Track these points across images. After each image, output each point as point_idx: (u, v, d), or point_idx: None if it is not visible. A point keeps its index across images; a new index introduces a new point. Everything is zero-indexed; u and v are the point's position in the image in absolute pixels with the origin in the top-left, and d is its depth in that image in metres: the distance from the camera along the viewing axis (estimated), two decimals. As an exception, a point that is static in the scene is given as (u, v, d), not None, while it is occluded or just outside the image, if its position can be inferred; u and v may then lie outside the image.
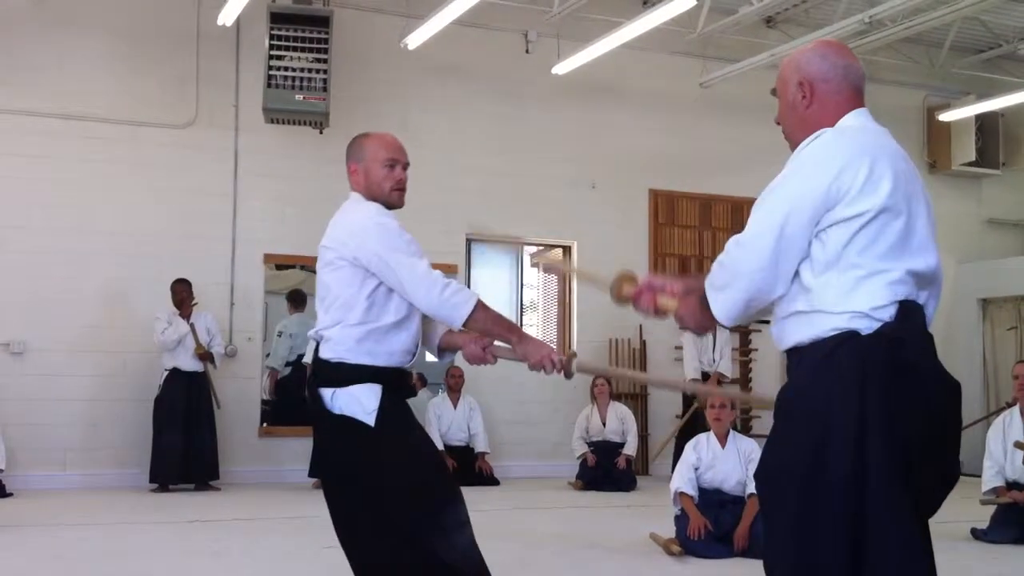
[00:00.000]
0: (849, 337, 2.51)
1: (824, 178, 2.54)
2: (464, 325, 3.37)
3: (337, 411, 3.39)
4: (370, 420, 3.37)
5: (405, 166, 3.59)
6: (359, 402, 3.38)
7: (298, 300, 11.10)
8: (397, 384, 3.47)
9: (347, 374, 3.40)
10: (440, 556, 3.30)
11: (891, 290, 2.52)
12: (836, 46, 2.82)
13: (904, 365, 2.47)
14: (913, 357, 2.49)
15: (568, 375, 3.51)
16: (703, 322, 2.79)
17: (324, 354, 3.45)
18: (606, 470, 9.97)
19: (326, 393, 3.42)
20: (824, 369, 2.53)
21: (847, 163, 2.55)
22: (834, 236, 2.54)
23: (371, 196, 3.55)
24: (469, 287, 11.18)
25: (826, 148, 2.60)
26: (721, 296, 2.68)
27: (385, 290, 3.41)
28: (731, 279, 2.65)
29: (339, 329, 3.42)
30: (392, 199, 3.56)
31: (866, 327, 2.50)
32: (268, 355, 10.96)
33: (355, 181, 3.59)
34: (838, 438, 2.47)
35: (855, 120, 2.72)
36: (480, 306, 3.35)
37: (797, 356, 2.64)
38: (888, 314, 2.51)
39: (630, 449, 10.20)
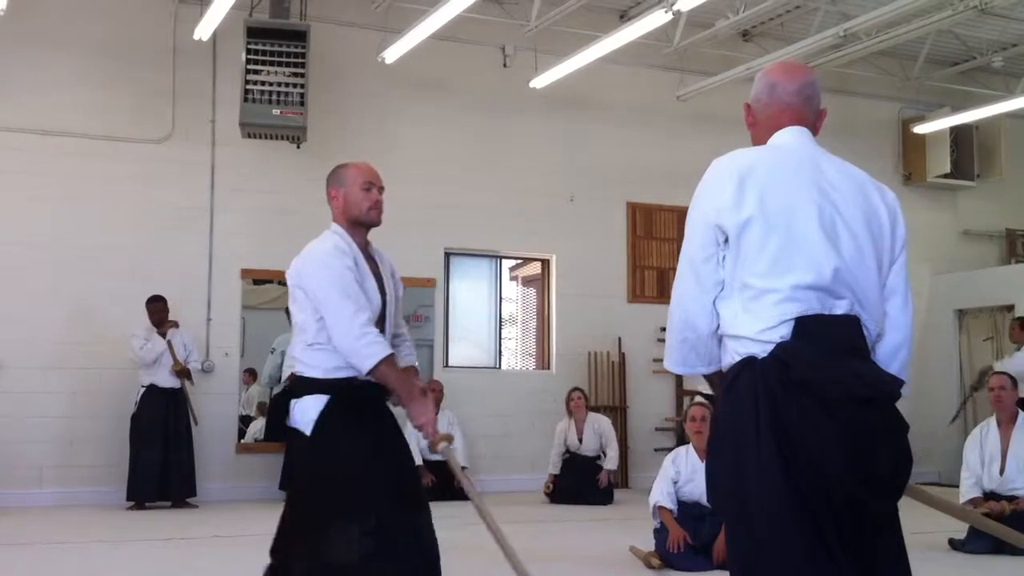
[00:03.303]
0: (748, 363, 2.51)
1: (707, 203, 2.58)
2: (367, 373, 3.64)
3: (291, 423, 3.73)
4: (307, 430, 3.67)
5: (380, 189, 3.92)
6: (304, 413, 3.69)
7: None
8: (348, 394, 3.69)
9: (303, 386, 3.75)
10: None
11: (779, 309, 2.49)
12: (777, 66, 2.86)
13: (793, 385, 2.43)
14: (802, 375, 2.42)
15: (432, 449, 3.80)
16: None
17: (295, 370, 3.82)
18: (583, 485, 9.90)
19: (291, 406, 3.75)
20: (728, 397, 2.54)
21: (718, 184, 2.58)
22: (728, 259, 2.56)
23: (350, 217, 3.86)
24: (448, 301, 11.31)
25: (707, 176, 2.65)
26: (666, 343, 2.73)
27: None
28: (668, 322, 2.69)
29: (299, 348, 3.77)
30: (370, 217, 3.88)
31: (760, 351, 2.49)
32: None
33: (335, 206, 3.90)
34: (746, 465, 2.47)
35: (777, 139, 2.74)
36: (385, 362, 3.61)
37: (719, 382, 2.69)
38: (781, 334, 2.48)
39: (611, 464, 10.04)
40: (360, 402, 3.72)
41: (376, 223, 3.91)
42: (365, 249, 3.88)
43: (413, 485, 3.89)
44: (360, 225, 3.88)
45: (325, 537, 3.52)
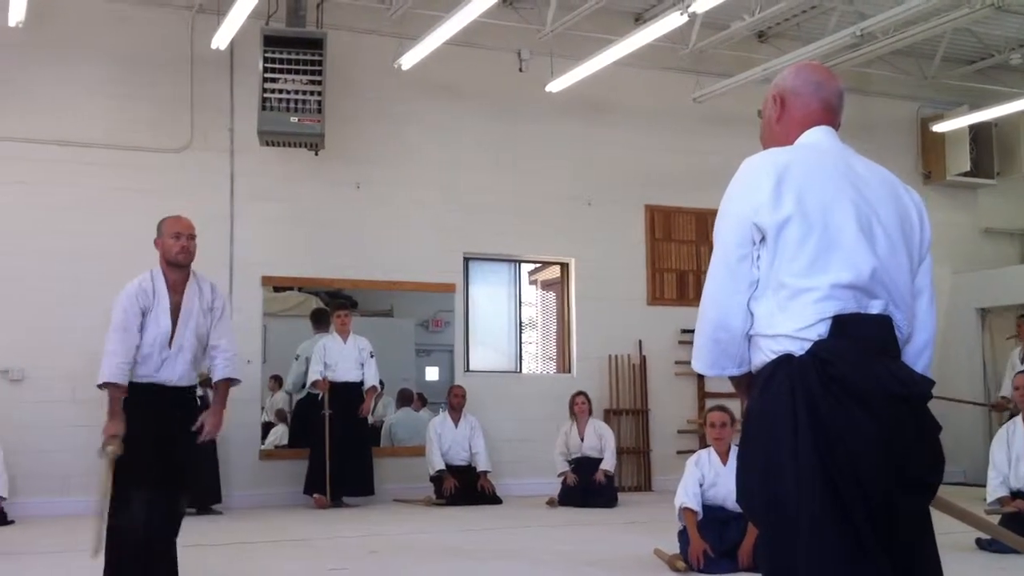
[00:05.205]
0: (784, 361, 2.48)
1: (744, 201, 2.56)
2: (98, 386, 5.07)
3: None
4: None
5: (190, 237, 5.32)
6: None
7: (321, 320, 10.97)
8: (140, 394, 5.08)
9: None
10: (114, 516, 4.93)
11: (817, 308, 2.47)
12: (814, 65, 2.86)
13: (833, 382, 2.41)
14: (841, 372, 2.41)
15: (102, 455, 5.03)
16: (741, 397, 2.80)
17: None
18: (585, 486, 9.93)
19: None
20: (764, 395, 2.51)
21: (755, 182, 2.56)
22: (763, 258, 2.53)
23: (165, 258, 5.26)
24: (468, 305, 11.32)
25: (742, 173, 2.63)
26: (695, 345, 2.68)
27: (141, 335, 5.07)
28: (697, 323, 2.66)
29: None
30: (178, 260, 5.26)
31: (798, 348, 2.47)
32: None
33: (157, 250, 5.27)
34: (782, 464, 2.44)
35: (808, 138, 2.72)
36: (110, 384, 5.02)
37: (750, 382, 2.64)
38: (819, 332, 2.47)
39: (608, 465, 10.09)
40: (146, 398, 5.06)
41: (183, 264, 5.26)
42: (180, 283, 5.23)
43: (165, 469, 5.01)
44: (173, 265, 5.23)
45: (123, 499, 5.01)
